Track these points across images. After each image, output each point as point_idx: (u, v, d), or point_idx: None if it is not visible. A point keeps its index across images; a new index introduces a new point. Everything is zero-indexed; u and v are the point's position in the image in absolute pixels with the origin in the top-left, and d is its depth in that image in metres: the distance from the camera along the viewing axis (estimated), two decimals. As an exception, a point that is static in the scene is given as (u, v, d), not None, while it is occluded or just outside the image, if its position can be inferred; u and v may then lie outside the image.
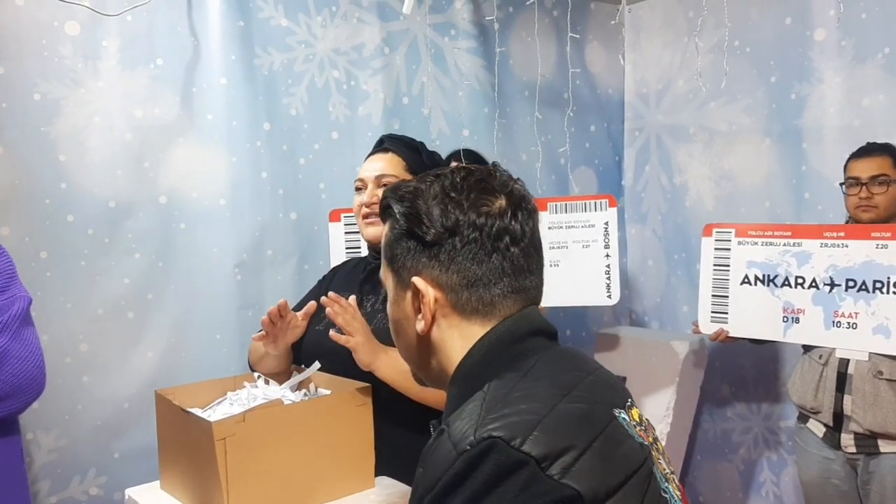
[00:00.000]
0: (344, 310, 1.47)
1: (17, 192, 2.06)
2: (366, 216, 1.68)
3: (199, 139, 2.35)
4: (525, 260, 0.90)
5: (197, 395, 1.55)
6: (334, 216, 2.47)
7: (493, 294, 0.89)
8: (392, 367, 1.44)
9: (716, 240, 2.56)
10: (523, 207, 0.91)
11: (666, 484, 0.86)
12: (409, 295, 0.92)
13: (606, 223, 2.58)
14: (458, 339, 0.90)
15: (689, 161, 3.25)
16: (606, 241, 2.58)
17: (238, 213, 2.41)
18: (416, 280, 0.90)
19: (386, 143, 1.73)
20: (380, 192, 1.65)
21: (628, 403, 0.90)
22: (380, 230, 1.65)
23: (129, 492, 1.50)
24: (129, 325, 2.25)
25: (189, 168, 2.33)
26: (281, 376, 1.64)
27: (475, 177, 0.92)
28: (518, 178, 0.95)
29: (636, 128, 3.50)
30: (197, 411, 1.47)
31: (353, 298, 1.52)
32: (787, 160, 2.89)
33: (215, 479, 1.27)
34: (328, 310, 1.48)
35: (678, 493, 0.90)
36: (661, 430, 2.91)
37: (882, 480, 2.21)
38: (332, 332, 1.47)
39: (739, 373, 3.10)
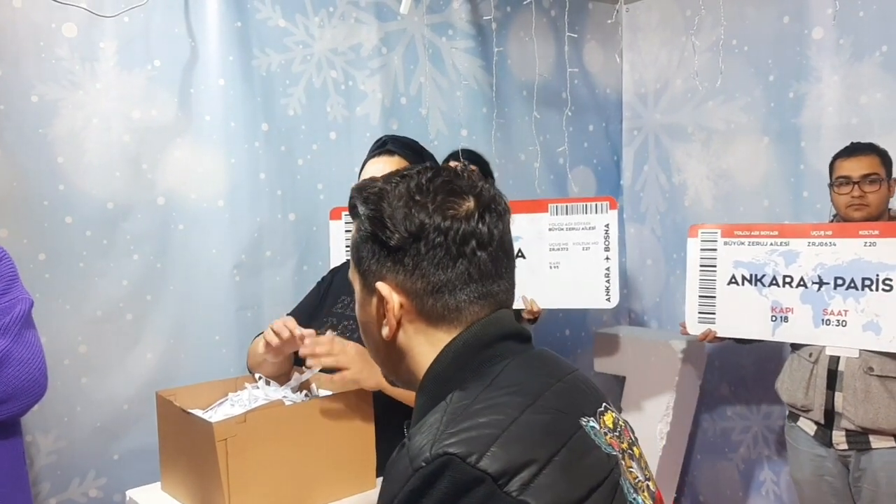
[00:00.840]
0: (327, 350, 1.39)
1: (15, 194, 2.06)
2: None
3: (197, 140, 2.35)
4: (493, 264, 0.87)
5: (198, 397, 1.55)
6: (335, 214, 2.47)
7: (458, 300, 0.86)
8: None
9: (701, 240, 2.56)
10: (493, 209, 0.88)
11: (635, 495, 0.83)
12: (374, 299, 0.89)
13: (607, 225, 2.58)
14: (426, 345, 0.88)
15: (688, 160, 3.25)
16: (607, 243, 2.58)
17: (236, 214, 2.41)
18: (380, 285, 0.87)
19: (390, 146, 1.69)
20: None
21: (601, 409, 0.87)
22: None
23: (131, 493, 1.49)
24: (128, 327, 2.25)
25: (187, 169, 2.33)
26: (282, 377, 1.63)
27: (442, 178, 0.88)
28: (489, 179, 0.92)
29: (634, 127, 3.50)
30: (198, 412, 1.47)
31: (329, 333, 1.43)
32: (785, 159, 2.90)
33: (216, 480, 1.27)
34: (308, 361, 1.40)
35: (650, 502, 0.87)
36: (661, 429, 2.91)
37: (874, 476, 2.22)
38: (326, 379, 1.41)
39: (739, 372, 3.10)
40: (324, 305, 1.77)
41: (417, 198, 0.86)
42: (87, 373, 2.18)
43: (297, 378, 1.52)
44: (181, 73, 2.32)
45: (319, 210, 2.55)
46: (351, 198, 0.93)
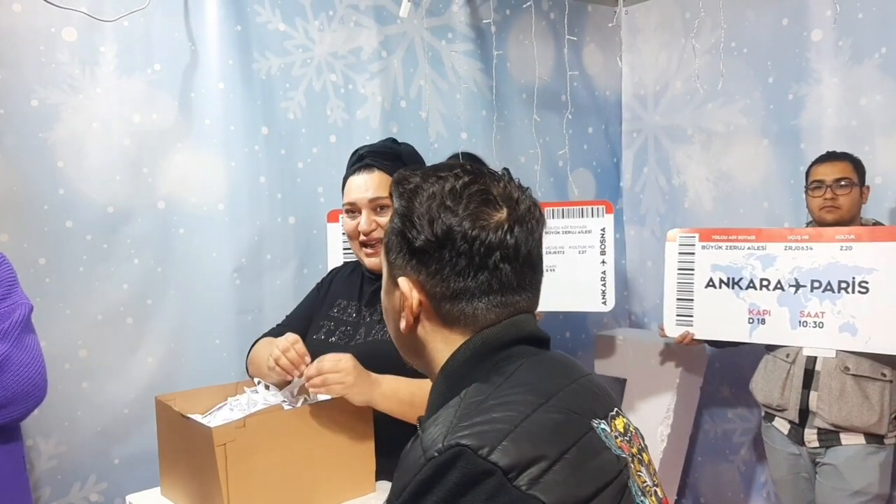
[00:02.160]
0: (318, 379, 1.39)
1: (15, 199, 2.06)
2: (364, 244, 1.63)
3: (198, 144, 2.35)
4: (516, 277, 0.87)
5: (197, 401, 1.55)
6: (332, 216, 2.47)
7: (475, 307, 0.87)
8: (389, 397, 1.42)
9: (679, 244, 2.59)
10: (525, 222, 0.87)
11: (642, 498, 0.84)
12: (397, 292, 0.91)
13: (603, 229, 2.59)
14: (441, 343, 0.89)
15: (688, 162, 3.26)
16: (603, 247, 2.59)
17: (237, 217, 2.41)
18: (402, 281, 0.89)
19: (368, 160, 1.65)
20: (377, 218, 1.61)
21: (613, 413, 0.88)
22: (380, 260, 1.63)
23: (131, 498, 1.50)
24: (129, 331, 2.25)
25: (187, 173, 2.33)
26: (284, 383, 1.64)
27: (478, 185, 0.88)
28: (527, 188, 0.91)
29: (634, 129, 3.50)
30: (197, 417, 1.47)
31: (312, 366, 1.42)
32: (785, 161, 2.90)
33: (216, 484, 1.27)
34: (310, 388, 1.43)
35: None
36: (662, 431, 2.91)
37: (837, 470, 2.29)
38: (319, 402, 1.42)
39: (739, 373, 3.09)
40: (322, 309, 1.77)
41: (449, 203, 0.86)
42: (87, 377, 2.18)
43: (296, 382, 1.52)
44: (181, 76, 2.32)
45: (319, 213, 2.55)
46: (391, 185, 0.94)
